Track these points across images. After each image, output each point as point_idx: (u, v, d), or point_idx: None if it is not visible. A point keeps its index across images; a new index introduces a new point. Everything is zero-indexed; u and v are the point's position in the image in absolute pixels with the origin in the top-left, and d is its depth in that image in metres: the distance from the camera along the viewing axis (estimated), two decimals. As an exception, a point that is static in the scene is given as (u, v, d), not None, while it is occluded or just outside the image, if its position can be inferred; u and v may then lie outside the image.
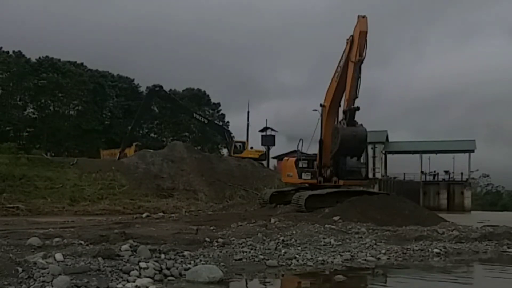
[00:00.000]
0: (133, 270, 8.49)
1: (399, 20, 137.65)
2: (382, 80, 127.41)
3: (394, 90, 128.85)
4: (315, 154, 22.82)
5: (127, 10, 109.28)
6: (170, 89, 59.63)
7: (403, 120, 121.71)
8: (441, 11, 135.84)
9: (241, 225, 15.95)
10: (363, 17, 19.75)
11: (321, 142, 22.05)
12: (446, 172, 58.75)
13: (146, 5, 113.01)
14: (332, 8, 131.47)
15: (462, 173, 57.48)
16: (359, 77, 19.62)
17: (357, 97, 19.74)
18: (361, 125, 20.02)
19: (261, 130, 47.54)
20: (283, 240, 12.60)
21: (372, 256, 11.84)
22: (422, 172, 57.80)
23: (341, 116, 20.82)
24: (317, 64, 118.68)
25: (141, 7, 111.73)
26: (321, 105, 22.20)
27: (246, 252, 11.18)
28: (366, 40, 19.46)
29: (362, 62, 19.64)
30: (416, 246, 13.25)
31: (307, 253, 11.58)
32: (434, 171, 59.45)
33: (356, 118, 19.87)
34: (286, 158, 25.66)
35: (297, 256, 11.19)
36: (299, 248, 12.08)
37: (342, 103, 21.02)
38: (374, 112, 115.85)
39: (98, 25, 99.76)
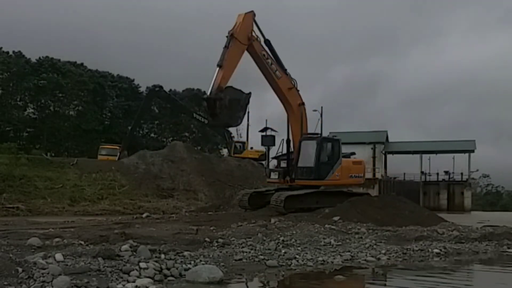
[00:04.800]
0: (133, 270, 8.49)
1: (412, 13, 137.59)
2: (387, 72, 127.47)
3: (399, 83, 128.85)
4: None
5: (127, 9, 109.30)
6: (170, 89, 59.61)
7: (405, 114, 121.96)
8: (454, 5, 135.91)
9: (241, 225, 15.94)
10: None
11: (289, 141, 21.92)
12: (446, 172, 58.75)
13: (146, 3, 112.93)
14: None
15: (462, 173, 57.51)
16: None
17: None
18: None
19: (261, 130, 47.48)
20: (283, 240, 12.60)
21: (372, 256, 11.84)
22: (422, 172, 57.79)
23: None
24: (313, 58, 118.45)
25: (140, 5, 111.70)
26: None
27: (246, 252, 11.19)
28: None
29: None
30: (416, 246, 13.25)
31: (307, 253, 11.58)
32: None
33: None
34: None
35: (297, 256, 11.19)
36: (299, 248, 12.08)
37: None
38: (378, 104, 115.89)
39: (98, 25, 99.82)
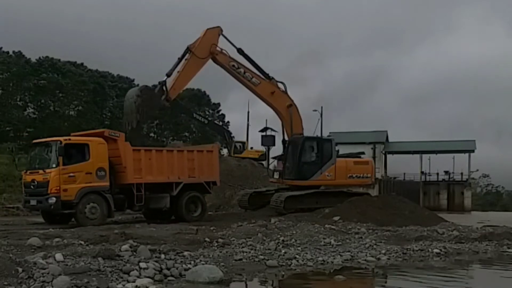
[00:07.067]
0: (133, 270, 8.50)
1: (414, 10, 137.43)
2: (388, 70, 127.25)
3: (399, 81, 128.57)
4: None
5: (127, 9, 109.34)
6: (170, 89, 59.60)
7: (406, 113, 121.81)
8: (457, 3, 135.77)
9: (241, 225, 15.93)
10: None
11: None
12: (446, 172, 58.80)
13: (146, 2, 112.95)
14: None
15: (462, 173, 57.56)
16: None
17: None
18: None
19: (261, 130, 47.54)
20: (283, 240, 12.60)
21: (372, 256, 11.84)
22: (422, 172, 57.82)
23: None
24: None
25: (140, 4, 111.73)
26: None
27: (246, 252, 11.19)
28: None
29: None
30: (416, 246, 13.24)
31: (307, 253, 11.58)
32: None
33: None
34: None
35: (297, 256, 11.19)
36: (299, 248, 12.08)
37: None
38: (379, 103, 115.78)
39: (98, 25, 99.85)
